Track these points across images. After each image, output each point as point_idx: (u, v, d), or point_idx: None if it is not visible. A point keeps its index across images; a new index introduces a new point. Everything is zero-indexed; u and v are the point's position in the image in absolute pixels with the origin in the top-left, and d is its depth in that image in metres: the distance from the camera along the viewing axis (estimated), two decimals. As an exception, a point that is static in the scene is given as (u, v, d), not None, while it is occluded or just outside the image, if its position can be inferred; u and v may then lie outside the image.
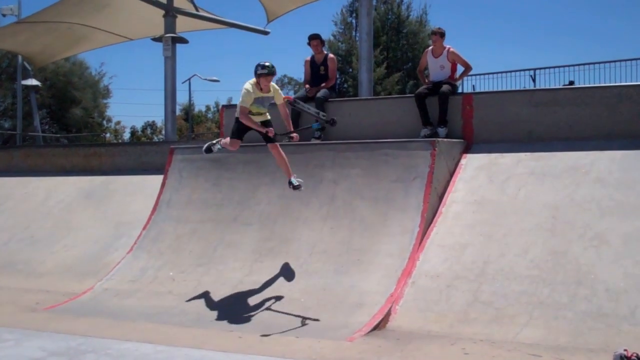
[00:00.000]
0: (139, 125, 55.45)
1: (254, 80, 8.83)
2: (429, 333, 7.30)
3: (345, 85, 38.15)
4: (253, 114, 8.96)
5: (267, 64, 8.77)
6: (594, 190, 8.63)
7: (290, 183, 8.96)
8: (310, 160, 9.98)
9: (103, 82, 43.79)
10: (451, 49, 10.92)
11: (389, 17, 40.10)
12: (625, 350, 6.15)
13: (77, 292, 9.64)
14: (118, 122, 50.38)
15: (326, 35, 39.96)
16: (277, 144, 9.06)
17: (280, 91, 9.15)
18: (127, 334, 7.48)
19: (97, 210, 12.57)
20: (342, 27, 40.98)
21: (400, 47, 39.83)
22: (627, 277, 7.32)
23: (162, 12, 18.16)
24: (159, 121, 53.58)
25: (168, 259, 9.77)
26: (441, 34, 10.95)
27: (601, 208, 8.32)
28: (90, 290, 9.54)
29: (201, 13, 19.68)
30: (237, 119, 8.97)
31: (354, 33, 40.09)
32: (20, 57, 27.20)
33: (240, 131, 9.12)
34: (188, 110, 50.11)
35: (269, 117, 9.18)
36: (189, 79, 46.75)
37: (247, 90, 8.82)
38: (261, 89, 8.85)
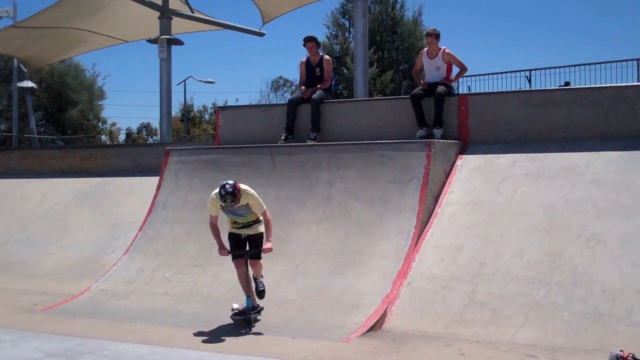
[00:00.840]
0: (134, 126, 55.37)
1: None
2: (425, 334, 7.31)
3: (340, 87, 38.16)
4: (238, 226, 8.03)
5: (224, 190, 7.61)
6: (589, 191, 8.64)
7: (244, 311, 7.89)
8: (306, 161, 9.99)
9: (97, 84, 43.80)
10: (447, 50, 10.92)
11: (384, 17, 40.11)
12: (621, 350, 6.17)
13: (73, 293, 9.65)
14: (114, 124, 50.27)
15: (321, 36, 40.07)
16: (260, 261, 8.05)
17: (257, 199, 7.91)
18: (123, 335, 7.48)
19: (94, 212, 12.58)
20: (335, 29, 40.99)
21: (395, 48, 39.88)
22: (624, 278, 7.33)
23: (158, 13, 18.17)
24: (154, 123, 53.53)
25: (164, 260, 9.77)
26: (436, 35, 10.95)
27: (597, 209, 8.33)
28: (87, 292, 9.54)
29: (196, 15, 19.70)
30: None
31: (347, 34, 40.18)
32: (15, 60, 27.18)
33: (233, 247, 8.05)
34: (184, 112, 50.05)
35: (260, 230, 8.07)
36: (184, 81, 46.81)
37: (210, 198, 7.94)
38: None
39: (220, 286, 8.90)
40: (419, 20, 41.04)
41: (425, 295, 7.89)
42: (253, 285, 8.01)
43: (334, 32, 40.81)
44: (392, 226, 8.86)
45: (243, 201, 7.79)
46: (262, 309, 8.06)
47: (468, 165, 9.83)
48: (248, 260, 7.96)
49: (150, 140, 50.15)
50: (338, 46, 39.58)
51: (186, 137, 41.82)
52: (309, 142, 10.96)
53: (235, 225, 8.08)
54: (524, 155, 9.62)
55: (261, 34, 21.08)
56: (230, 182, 7.69)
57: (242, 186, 7.82)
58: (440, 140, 9.93)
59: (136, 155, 14.12)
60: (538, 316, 7.21)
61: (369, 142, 9.98)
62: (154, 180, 11.29)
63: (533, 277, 7.67)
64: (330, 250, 8.92)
